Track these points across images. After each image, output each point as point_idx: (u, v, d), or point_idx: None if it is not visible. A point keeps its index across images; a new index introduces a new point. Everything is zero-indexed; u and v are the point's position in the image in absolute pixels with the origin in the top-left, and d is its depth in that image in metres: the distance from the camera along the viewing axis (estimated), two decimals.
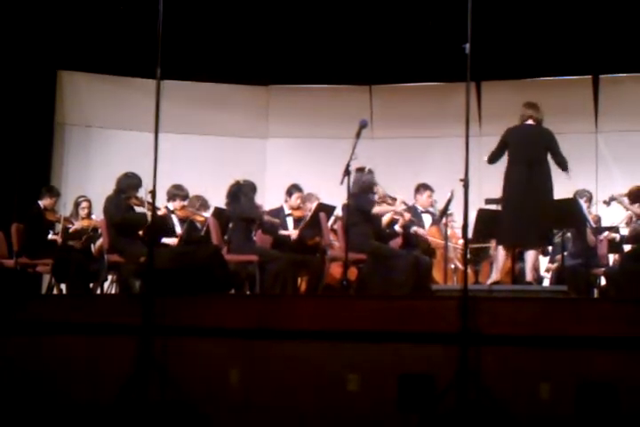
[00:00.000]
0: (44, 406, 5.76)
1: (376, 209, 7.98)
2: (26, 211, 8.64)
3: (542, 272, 8.68)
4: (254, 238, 8.31)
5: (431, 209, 8.69)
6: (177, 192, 8.26)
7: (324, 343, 5.43)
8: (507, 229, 6.84)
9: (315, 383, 5.39)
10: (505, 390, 5.03)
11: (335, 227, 8.48)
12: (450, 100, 9.89)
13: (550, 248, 8.72)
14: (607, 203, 8.08)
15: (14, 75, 9.98)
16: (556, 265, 8.57)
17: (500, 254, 7.01)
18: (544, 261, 8.85)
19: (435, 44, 9.69)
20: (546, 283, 8.51)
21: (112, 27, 10.10)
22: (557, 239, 8.21)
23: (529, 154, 6.81)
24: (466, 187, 5.35)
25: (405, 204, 8.31)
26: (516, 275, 7.57)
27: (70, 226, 8.52)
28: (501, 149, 6.93)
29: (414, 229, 8.36)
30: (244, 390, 5.51)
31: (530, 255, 6.99)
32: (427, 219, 8.68)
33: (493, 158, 6.97)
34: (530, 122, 6.98)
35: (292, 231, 8.40)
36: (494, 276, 6.99)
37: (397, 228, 8.33)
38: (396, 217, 8.32)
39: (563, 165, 6.84)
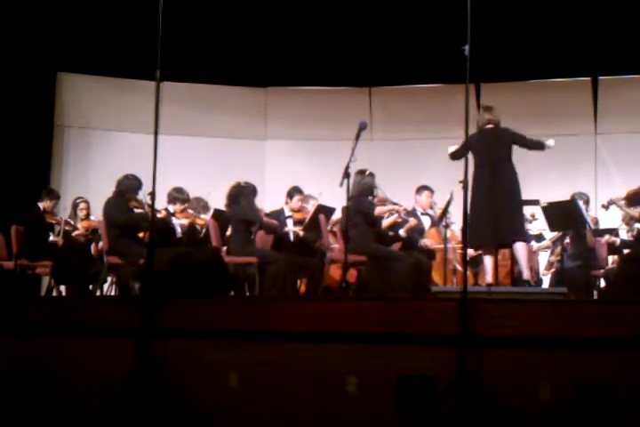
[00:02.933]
0: (43, 408, 5.75)
1: (378, 210, 7.99)
2: (25, 213, 8.64)
3: (541, 274, 8.69)
4: (254, 240, 8.31)
5: (430, 211, 8.69)
6: (178, 195, 8.26)
7: (323, 345, 5.43)
8: (475, 233, 6.82)
9: (314, 385, 5.38)
10: (504, 391, 5.03)
11: (335, 229, 8.48)
12: (449, 102, 9.89)
13: (549, 250, 8.75)
14: (606, 207, 8.10)
15: (14, 77, 9.98)
16: (555, 267, 8.58)
17: (486, 258, 7.03)
18: (544, 261, 8.86)
19: (434, 45, 9.70)
20: (545, 285, 8.51)
21: (111, 29, 10.11)
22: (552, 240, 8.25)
23: (491, 156, 6.86)
24: (465, 189, 5.36)
25: (407, 211, 8.34)
26: (515, 277, 7.57)
27: (69, 228, 8.53)
28: (463, 151, 6.96)
29: (422, 242, 8.40)
30: (244, 393, 5.50)
31: (520, 254, 6.98)
32: (426, 221, 8.69)
33: (455, 156, 6.97)
34: (489, 126, 7.02)
35: (296, 228, 8.39)
36: (488, 278, 7.00)
37: (402, 232, 8.34)
38: (399, 220, 8.33)
39: (538, 147, 6.89)
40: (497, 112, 7.09)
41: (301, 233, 8.35)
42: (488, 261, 7.03)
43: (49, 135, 10.65)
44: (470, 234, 6.73)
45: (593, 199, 9.09)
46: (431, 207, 8.72)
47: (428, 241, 8.46)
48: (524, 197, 7.17)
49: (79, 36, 10.19)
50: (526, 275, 6.96)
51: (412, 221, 8.34)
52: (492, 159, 6.85)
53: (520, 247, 6.96)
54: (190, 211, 8.29)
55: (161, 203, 7.92)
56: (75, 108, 10.89)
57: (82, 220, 8.72)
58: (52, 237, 8.46)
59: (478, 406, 4.93)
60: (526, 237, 7.48)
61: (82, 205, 8.81)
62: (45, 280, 9.08)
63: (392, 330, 5.33)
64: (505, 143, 6.91)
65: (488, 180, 6.79)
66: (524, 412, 5.02)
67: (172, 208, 8.22)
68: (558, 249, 8.39)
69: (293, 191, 8.60)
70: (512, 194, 6.87)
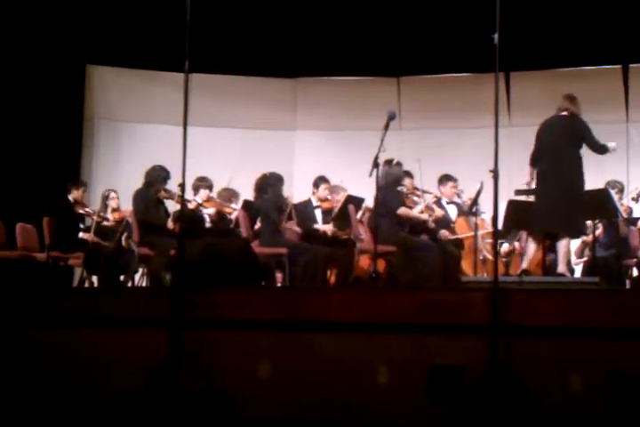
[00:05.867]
0: (75, 398, 5.80)
1: (401, 210, 7.96)
2: (55, 205, 8.71)
3: (573, 263, 8.63)
4: (284, 231, 8.31)
5: (456, 200, 8.66)
6: (200, 183, 8.30)
7: (353, 335, 5.43)
8: (538, 219, 6.82)
9: (344, 375, 5.39)
10: (535, 381, 5.00)
11: (364, 219, 8.47)
12: (479, 91, 9.79)
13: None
14: (635, 199, 8.02)
15: (44, 69, 10.05)
16: (587, 256, 8.52)
17: (531, 244, 6.98)
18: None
19: (463, 34, 9.63)
20: (577, 274, 8.46)
21: (140, 21, 10.15)
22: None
23: (554, 143, 6.80)
24: (495, 178, 5.33)
25: (437, 197, 8.31)
26: (546, 266, 7.53)
27: (99, 219, 8.58)
28: (535, 146, 6.96)
29: (441, 233, 8.33)
30: (275, 383, 5.52)
31: (562, 246, 6.94)
32: (452, 210, 8.65)
33: (534, 160, 6.95)
34: (564, 113, 6.95)
35: (326, 227, 8.38)
36: (524, 265, 6.96)
37: (426, 216, 8.27)
38: (428, 213, 8.29)
39: (601, 150, 6.84)
40: (579, 104, 7.03)
41: (330, 232, 8.31)
42: (531, 249, 6.98)
43: (78, 127, 10.71)
44: (533, 221, 6.73)
45: (625, 189, 9.00)
46: (459, 196, 8.67)
47: (447, 232, 8.39)
48: None
49: (108, 28, 10.23)
50: (562, 268, 6.90)
51: (438, 211, 8.29)
52: (554, 146, 6.81)
53: (563, 240, 6.91)
54: (218, 200, 8.31)
55: (189, 194, 7.95)
56: (104, 101, 10.94)
57: (113, 211, 8.76)
58: (81, 234, 8.48)
59: (509, 396, 4.92)
60: (585, 233, 7.44)
61: (112, 196, 8.85)
62: (77, 271, 9.14)
63: (422, 320, 5.32)
64: (571, 132, 6.85)
65: (551, 167, 6.76)
66: (555, 401, 5.00)
67: (198, 198, 8.25)
68: (590, 238, 8.33)
69: (319, 181, 8.60)
70: (577, 186, 6.80)
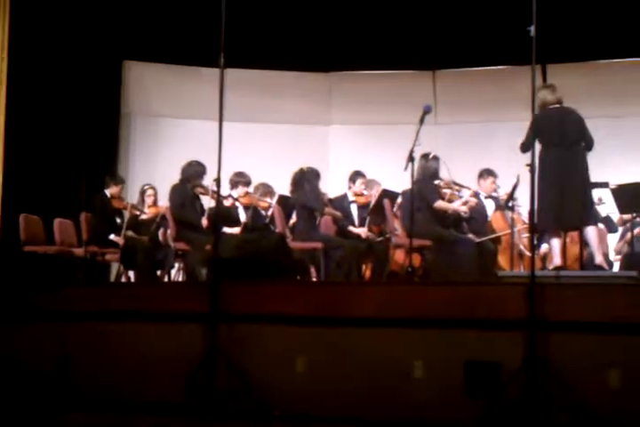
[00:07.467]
0: (112, 392, 5.85)
1: (439, 204, 7.92)
2: (92, 200, 8.78)
3: (612, 256, 8.54)
4: (319, 226, 8.32)
5: (494, 194, 8.60)
6: (239, 179, 8.32)
7: (389, 330, 5.42)
8: (549, 213, 6.71)
9: (380, 370, 5.38)
10: (573, 377, 4.97)
11: (399, 213, 8.44)
12: (515, 84, 9.73)
13: (620, 232, 8.58)
14: None
15: (81, 65, 10.12)
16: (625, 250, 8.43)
17: (553, 239, 6.91)
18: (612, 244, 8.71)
19: (499, 26, 9.57)
20: (616, 268, 8.37)
21: (176, 16, 10.19)
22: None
23: (565, 136, 6.71)
24: (532, 172, 5.30)
25: (475, 193, 8.25)
26: (584, 260, 7.45)
27: (137, 213, 8.63)
28: (533, 137, 6.83)
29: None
30: (311, 378, 5.52)
31: (591, 238, 6.85)
32: (489, 204, 8.60)
33: (527, 147, 6.82)
34: (555, 106, 6.87)
35: (360, 230, 8.35)
36: (556, 260, 6.88)
37: (464, 209, 8.18)
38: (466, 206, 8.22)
39: (590, 145, 6.77)
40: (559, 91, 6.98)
41: (364, 235, 8.28)
42: (556, 243, 6.92)
43: (115, 123, 10.78)
44: (539, 217, 6.65)
45: None
46: (495, 191, 8.61)
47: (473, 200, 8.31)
48: (593, 179, 7.04)
49: (144, 24, 10.29)
50: (599, 260, 6.82)
51: (472, 200, 8.20)
52: (565, 139, 6.73)
53: (590, 231, 6.82)
54: (253, 195, 8.33)
55: (225, 190, 7.98)
56: (140, 96, 11.01)
57: (149, 206, 8.82)
58: (112, 236, 8.51)
59: (546, 392, 4.89)
60: (595, 221, 7.33)
61: (149, 192, 8.91)
62: (115, 266, 9.21)
63: (458, 315, 5.30)
64: (574, 123, 6.79)
65: (564, 160, 6.68)
66: (594, 397, 4.96)
67: (235, 193, 8.27)
68: (628, 234, 8.24)
69: (355, 175, 8.60)
70: (583, 176, 6.74)
